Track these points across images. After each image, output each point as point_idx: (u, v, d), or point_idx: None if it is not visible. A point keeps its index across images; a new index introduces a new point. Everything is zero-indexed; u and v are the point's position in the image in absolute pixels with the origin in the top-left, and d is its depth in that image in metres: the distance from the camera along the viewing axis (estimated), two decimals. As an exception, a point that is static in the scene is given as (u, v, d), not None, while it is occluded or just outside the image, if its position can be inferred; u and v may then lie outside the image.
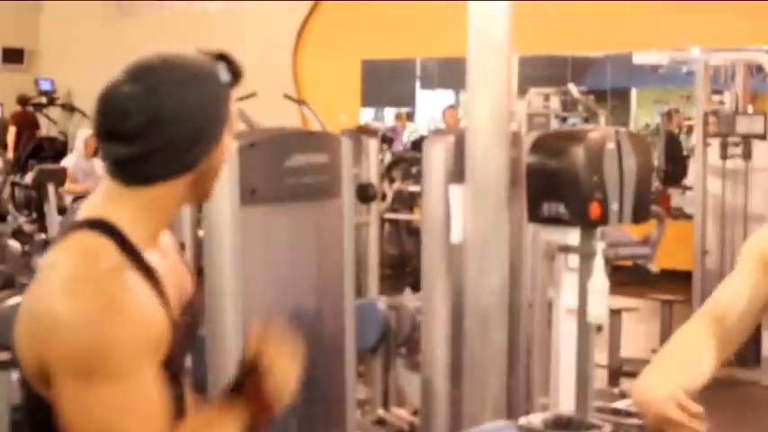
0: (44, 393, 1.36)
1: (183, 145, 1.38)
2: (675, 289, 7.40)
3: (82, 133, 10.55)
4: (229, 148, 1.45)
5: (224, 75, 1.41)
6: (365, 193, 5.93)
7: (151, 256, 1.44)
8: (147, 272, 1.40)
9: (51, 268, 1.36)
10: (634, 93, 14.79)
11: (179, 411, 1.49)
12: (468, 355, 3.73)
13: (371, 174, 6.05)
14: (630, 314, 6.78)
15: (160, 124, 1.36)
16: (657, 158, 11.30)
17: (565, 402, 4.36)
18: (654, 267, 6.30)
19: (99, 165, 10.14)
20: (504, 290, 3.74)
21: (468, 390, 3.79)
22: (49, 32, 14.35)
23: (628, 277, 9.57)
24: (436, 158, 4.16)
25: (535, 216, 4.07)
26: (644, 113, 15.03)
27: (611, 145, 4.08)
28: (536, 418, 4.17)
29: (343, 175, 3.49)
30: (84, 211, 1.43)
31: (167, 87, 1.37)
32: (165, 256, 1.50)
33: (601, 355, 6.44)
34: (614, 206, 4.02)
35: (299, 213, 3.29)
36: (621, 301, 6.66)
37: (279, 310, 3.16)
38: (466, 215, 3.83)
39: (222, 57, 1.42)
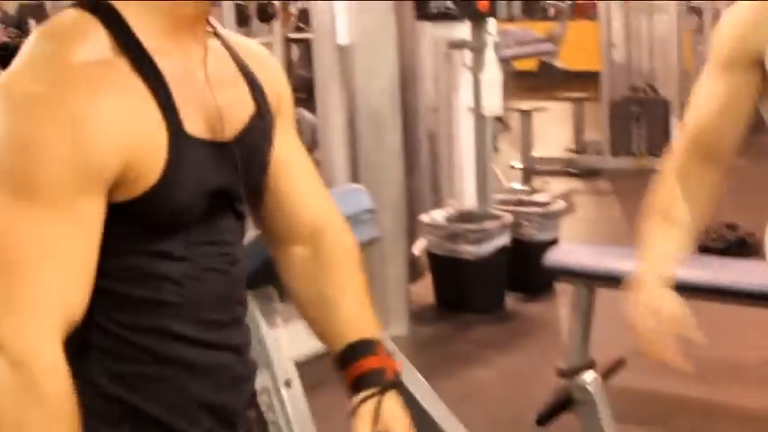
0: None
1: None
2: (586, 87, 7.44)
3: None
4: None
5: None
6: (264, 13, 5.84)
7: (173, 55, 1.14)
8: (146, 70, 1.10)
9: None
10: None
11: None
12: (364, 156, 3.74)
13: (270, -8, 5.92)
14: (543, 116, 6.81)
15: None
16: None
17: (471, 200, 4.43)
18: (559, 63, 6.31)
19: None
20: (395, 90, 3.73)
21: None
22: None
23: (536, 81, 9.60)
24: (320, -38, 4.08)
25: (423, 14, 4.04)
26: None
27: (495, -64, 4.03)
28: (438, 214, 4.25)
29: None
30: None
31: None
32: (208, 61, 1.17)
33: (516, 158, 6.51)
34: (502, -3, 4.01)
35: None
36: (531, 104, 6.69)
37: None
38: (351, 16, 3.78)
39: None
